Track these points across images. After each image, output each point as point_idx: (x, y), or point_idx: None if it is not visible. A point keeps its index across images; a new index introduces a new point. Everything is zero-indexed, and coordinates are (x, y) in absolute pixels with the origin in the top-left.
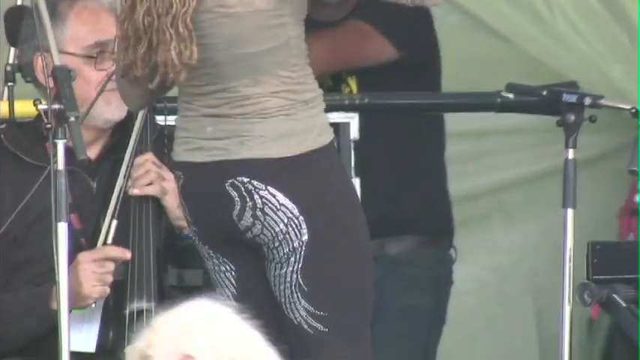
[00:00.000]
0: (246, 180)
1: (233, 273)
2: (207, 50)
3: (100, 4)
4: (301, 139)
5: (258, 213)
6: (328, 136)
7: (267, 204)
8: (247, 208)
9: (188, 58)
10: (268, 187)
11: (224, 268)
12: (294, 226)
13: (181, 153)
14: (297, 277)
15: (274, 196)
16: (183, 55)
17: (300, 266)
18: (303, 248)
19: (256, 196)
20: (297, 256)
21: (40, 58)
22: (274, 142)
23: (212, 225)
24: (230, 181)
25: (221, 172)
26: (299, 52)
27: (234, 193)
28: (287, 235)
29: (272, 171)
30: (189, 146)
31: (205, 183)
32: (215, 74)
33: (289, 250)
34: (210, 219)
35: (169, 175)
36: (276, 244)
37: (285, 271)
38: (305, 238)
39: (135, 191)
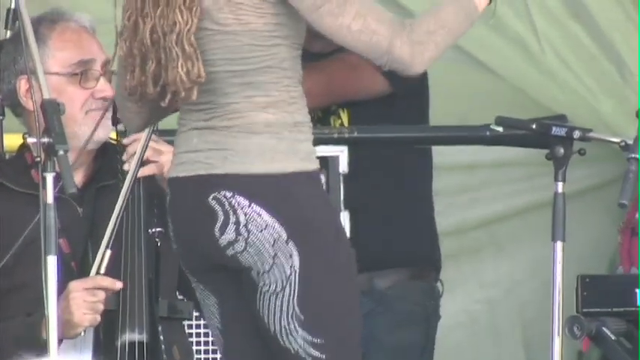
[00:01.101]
0: (229, 194)
1: (217, 307)
2: (204, 66)
3: (81, 24)
4: (285, 159)
5: (242, 229)
6: (313, 165)
7: (251, 221)
8: (230, 223)
9: (197, 76)
10: (253, 204)
11: (208, 301)
12: (283, 250)
13: (171, 170)
14: (294, 306)
15: (259, 215)
16: (191, 73)
17: (296, 295)
18: (297, 276)
19: (240, 212)
20: (292, 285)
21: (23, 82)
22: (258, 158)
23: (193, 243)
24: (213, 194)
25: (204, 186)
26: (293, 74)
27: (217, 207)
28: (276, 260)
29: (256, 187)
30: (176, 161)
31: (188, 197)
32: (209, 90)
33: (283, 278)
34: (191, 235)
35: (167, 148)
36: (266, 268)
37: (282, 302)
38: (296, 264)
39: (126, 166)
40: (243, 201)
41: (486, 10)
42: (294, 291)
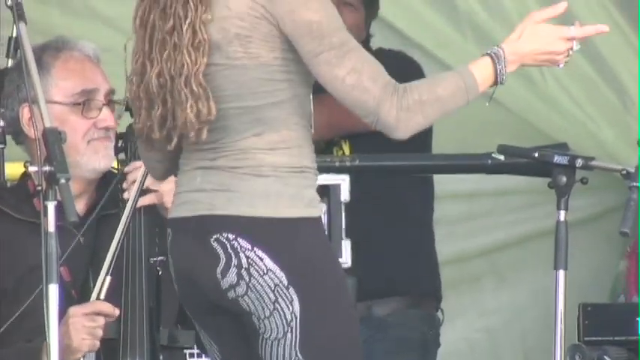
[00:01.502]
0: (232, 237)
1: (217, 353)
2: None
3: (85, 53)
4: (290, 204)
5: (243, 272)
6: (317, 211)
7: (253, 265)
8: (232, 266)
9: (207, 115)
10: (255, 248)
11: (209, 345)
12: (283, 296)
13: (172, 209)
14: (296, 352)
15: (261, 259)
16: (201, 114)
17: (297, 342)
18: (298, 322)
19: (242, 255)
20: (294, 332)
21: (26, 110)
22: (262, 201)
23: (194, 284)
24: (215, 236)
25: (206, 226)
26: (303, 113)
27: (219, 249)
28: (277, 306)
29: (259, 231)
30: (178, 201)
31: (189, 237)
32: (217, 128)
33: (284, 324)
34: (192, 276)
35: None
36: (267, 313)
37: (284, 348)
38: (297, 310)
39: (126, 194)
40: (245, 244)
41: (486, 91)
42: (296, 337)
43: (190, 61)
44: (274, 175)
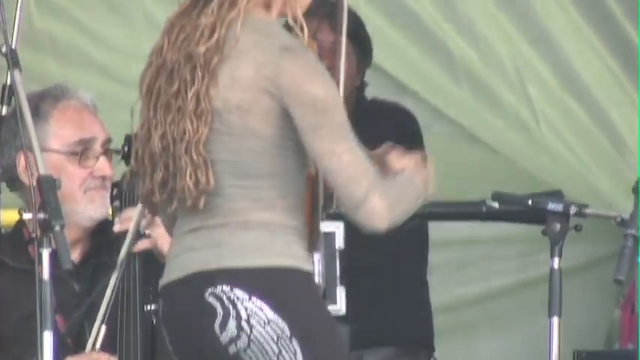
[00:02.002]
0: (227, 288)
1: None
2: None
3: (83, 103)
4: (281, 254)
5: (244, 324)
6: (308, 266)
7: (253, 316)
8: (231, 318)
9: (205, 184)
10: (253, 298)
11: None
12: (287, 347)
13: (164, 276)
14: None
15: (261, 309)
16: (200, 183)
17: None
18: None
19: (240, 306)
20: None
21: (22, 157)
22: (254, 252)
23: (191, 347)
24: (210, 290)
25: (199, 283)
26: (296, 183)
27: (215, 303)
28: (281, 358)
29: (254, 280)
30: (169, 266)
31: (182, 298)
32: (211, 192)
33: None
34: (189, 338)
35: (159, 220)
36: None
37: None
38: None
39: (117, 227)
40: (242, 294)
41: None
42: None
43: (192, 129)
44: (262, 229)
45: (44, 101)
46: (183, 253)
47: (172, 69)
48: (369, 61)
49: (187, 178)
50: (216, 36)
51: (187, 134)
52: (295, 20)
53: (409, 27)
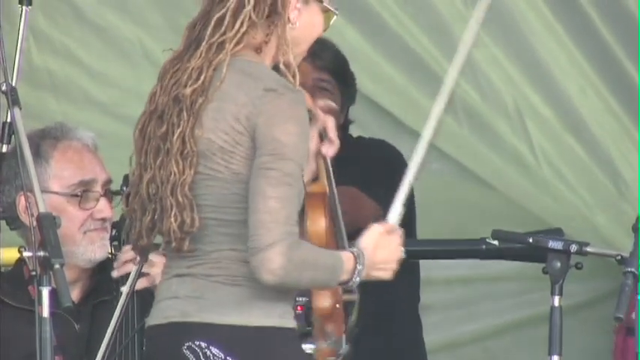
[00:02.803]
0: (204, 345)
1: None
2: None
3: (84, 143)
4: (264, 313)
5: None
6: (291, 323)
7: None
8: None
9: (190, 226)
10: (228, 358)
11: None
12: None
13: (149, 318)
14: None
15: None
16: (185, 224)
17: None
18: None
19: None
20: None
21: (23, 197)
22: (235, 308)
23: None
24: (187, 344)
25: (178, 334)
26: None
27: (191, 358)
28: None
29: (232, 339)
30: (155, 309)
31: (162, 345)
32: (196, 237)
33: None
34: None
35: (159, 259)
36: None
37: None
38: None
39: (115, 273)
40: (218, 353)
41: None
42: None
43: (178, 171)
44: (247, 285)
45: (45, 141)
46: (167, 299)
47: (162, 112)
48: (352, 98)
49: (172, 219)
50: (202, 78)
51: (173, 176)
52: (288, 66)
53: (408, 64)
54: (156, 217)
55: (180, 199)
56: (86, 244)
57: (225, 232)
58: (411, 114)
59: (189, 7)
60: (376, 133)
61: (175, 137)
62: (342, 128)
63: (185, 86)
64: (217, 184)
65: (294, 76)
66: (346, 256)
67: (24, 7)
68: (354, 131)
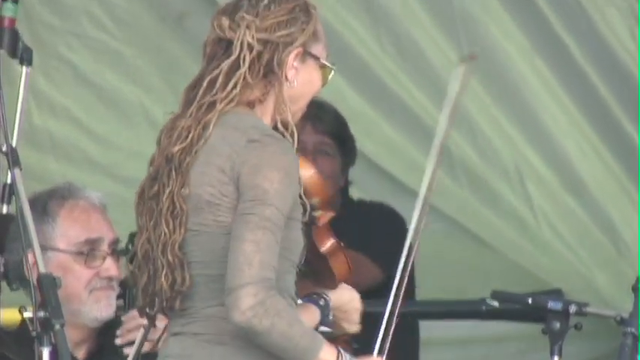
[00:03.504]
0: None
1: None
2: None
3: (91, 202)
4: None
5: None
6: None
7: None
8: None
9: (180, 285)
10: None
11: None
12: None
13: None
14: None
15: None
16: (176, 283)
17: None
18: None
19: None
20: None
21: (30, 256)
22: None
23: None
24: None
25: None
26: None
27: None
28: None
29: None
30: None
31: None
32: (189, 295)
33: None
34: None
35: (160, 324)
36: None
37: None
38: None
39: (119, 340)
40: None
41: None
42: None
43: (168, 231)
44: (232, 344)
45: (52, 200)
46: (163, 358)
47: (156, 173)
48: (352, 160)
49: (163, 279)
50: (190, 137)
51: (163, 235)
52: (285, 126)
53: (408, 125)
54: (150, 277)
55: (170, 258)
56: (92, 303)
57: (215, 288)
58: (411, 175)
59: (189, 68)
60: (376, 194)
61: (165, 197)
62: (343, 190)
63: (174, 145)
64: (206, 239)
65: (292, 135)
66: (328, 351)
67: (24, 68)
68: (355, 192)
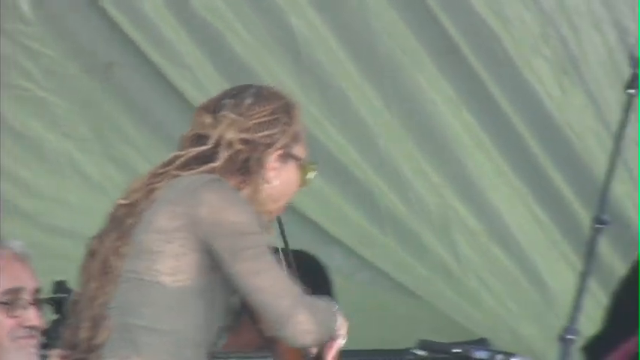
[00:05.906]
0: None
1: None
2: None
3: (12, 252)
4: None
5: None
6: None
7: None
8: None
9: (97, 339)
10: None
11: None
12: None
13: None
14: None
15: None
16: (94, 338)
17: None
18: None
19: None
20: None
21: None
22: None
23: None
24: None
25: None
26: (194, 340)
27: None
28: None
29: None
30: None
31: None
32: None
33: None
34: None
35: None
36: None
37: None
38: None
39: None
40: None
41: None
42: None
43: (96, 287)
44: None
45: None
46: None
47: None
48: None
49: (82, 331)
50: (134, 197)
51: (94, 293)
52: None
53: (336, 177)
54: (73, 328)
55: (94, 311)
56: (14, 352)
57: (129, 339)
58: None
59: (118, 118)
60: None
61: (101, 254)
62: None
63: (118, 205)
64: (133, 292)
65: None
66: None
67: None
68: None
